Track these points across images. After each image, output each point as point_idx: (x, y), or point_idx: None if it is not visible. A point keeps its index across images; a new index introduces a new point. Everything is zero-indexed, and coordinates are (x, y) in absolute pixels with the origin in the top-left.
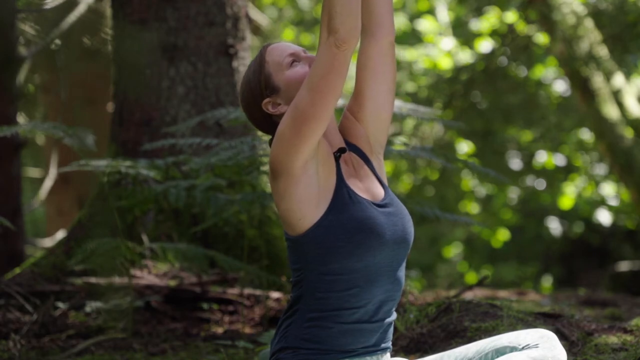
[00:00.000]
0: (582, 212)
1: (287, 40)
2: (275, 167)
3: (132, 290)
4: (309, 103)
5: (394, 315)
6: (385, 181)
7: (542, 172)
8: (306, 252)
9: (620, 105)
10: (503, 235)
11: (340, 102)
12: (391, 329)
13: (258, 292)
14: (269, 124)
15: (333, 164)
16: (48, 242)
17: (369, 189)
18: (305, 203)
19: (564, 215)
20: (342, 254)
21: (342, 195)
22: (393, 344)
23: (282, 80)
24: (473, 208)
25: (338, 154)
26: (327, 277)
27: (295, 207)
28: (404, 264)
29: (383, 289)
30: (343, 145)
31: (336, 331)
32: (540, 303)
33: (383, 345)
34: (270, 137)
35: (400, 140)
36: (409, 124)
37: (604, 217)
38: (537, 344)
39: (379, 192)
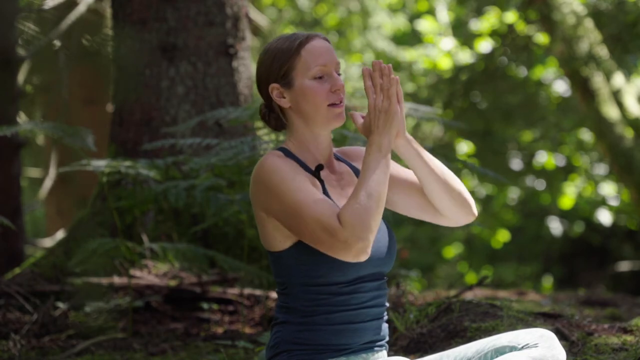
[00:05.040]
0: (582, 212)
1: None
2: (257, 206)
3: (132, 290)
4: (326, 247)
5: (386, 316)
6: None
7: (542, 172)
8: (289, 266)
9: (620, 105)
10: (503, 235)
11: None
12: (385, 327)
13: (258, 292)
14: (268, 105)
15: (318, 185)
16: (48, 242)
17: None
18: (287, 231)
19: (564, 215)
20: (325, 269)
21: None
22: (393, 344)
23: (299, 83)
24: None
25: (317, 172)
26: (312, 289)
27: (276, 234)
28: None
29: (370, 295)
30: (326, 160)
31: (328, 332)
32: (540, 303)
33: (379, 343)
34: (264, 122)
35: None
36: (409, 124)
37: (604, 217)
38: (536, 344)
39: None
